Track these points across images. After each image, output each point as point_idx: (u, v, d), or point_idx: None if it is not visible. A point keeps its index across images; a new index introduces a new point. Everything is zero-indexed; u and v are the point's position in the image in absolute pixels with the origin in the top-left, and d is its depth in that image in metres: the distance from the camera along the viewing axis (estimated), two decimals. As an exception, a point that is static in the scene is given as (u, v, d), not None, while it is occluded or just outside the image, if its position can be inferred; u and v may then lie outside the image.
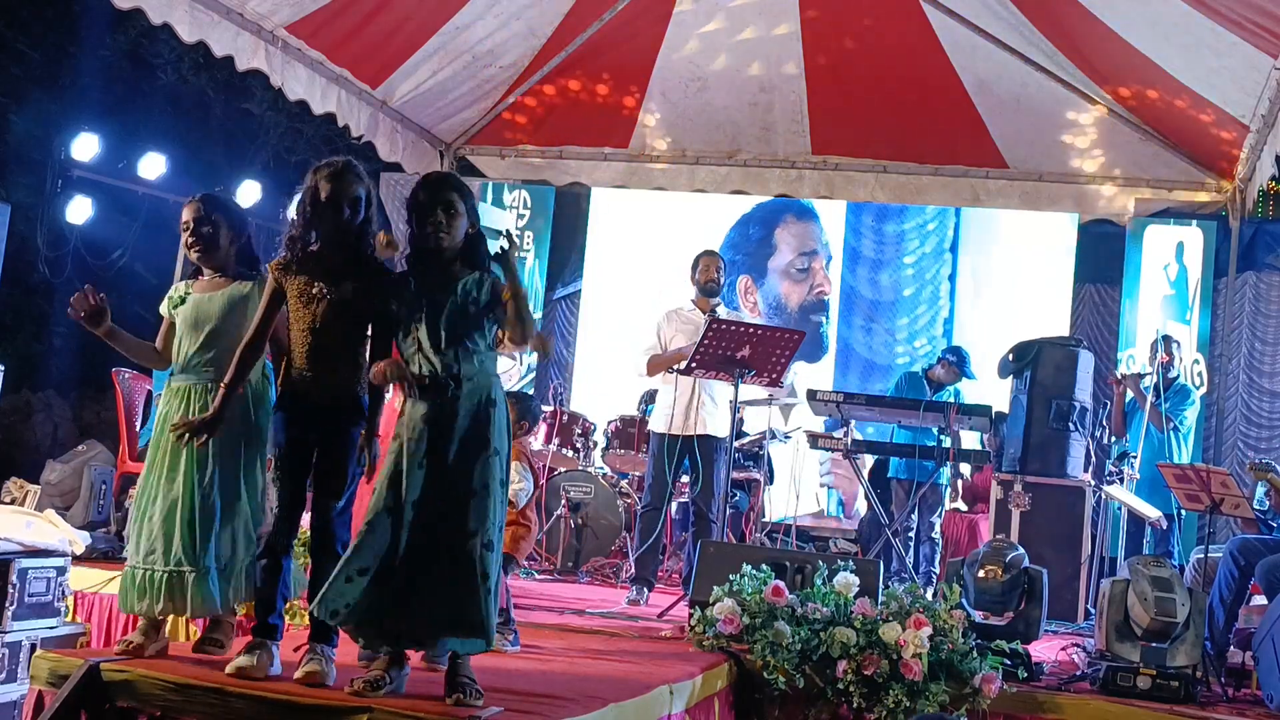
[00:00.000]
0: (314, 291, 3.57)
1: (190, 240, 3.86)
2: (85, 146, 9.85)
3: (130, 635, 3.76)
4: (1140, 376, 7.62)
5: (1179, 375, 7.81)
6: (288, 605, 3.70)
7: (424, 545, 3.34)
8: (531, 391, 9.77)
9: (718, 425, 6.42)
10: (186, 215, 3.87)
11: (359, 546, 3.35)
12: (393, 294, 3.50)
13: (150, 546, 3.69)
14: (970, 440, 7.79)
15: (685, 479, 6.96)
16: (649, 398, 8.90)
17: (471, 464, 3.39)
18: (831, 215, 10.48)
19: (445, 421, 3.40)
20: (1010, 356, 7.50)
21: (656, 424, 6.67)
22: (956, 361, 7.98)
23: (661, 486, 6.52)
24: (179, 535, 3.67)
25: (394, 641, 3.39)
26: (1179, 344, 7.81)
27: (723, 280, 6.70)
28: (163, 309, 3.96)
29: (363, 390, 3.62)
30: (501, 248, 3.49)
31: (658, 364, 6.58)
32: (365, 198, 3.64)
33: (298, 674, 3.41)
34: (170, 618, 3.94)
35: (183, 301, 3.88)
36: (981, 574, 5.18)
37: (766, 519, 8.62)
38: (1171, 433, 7.46)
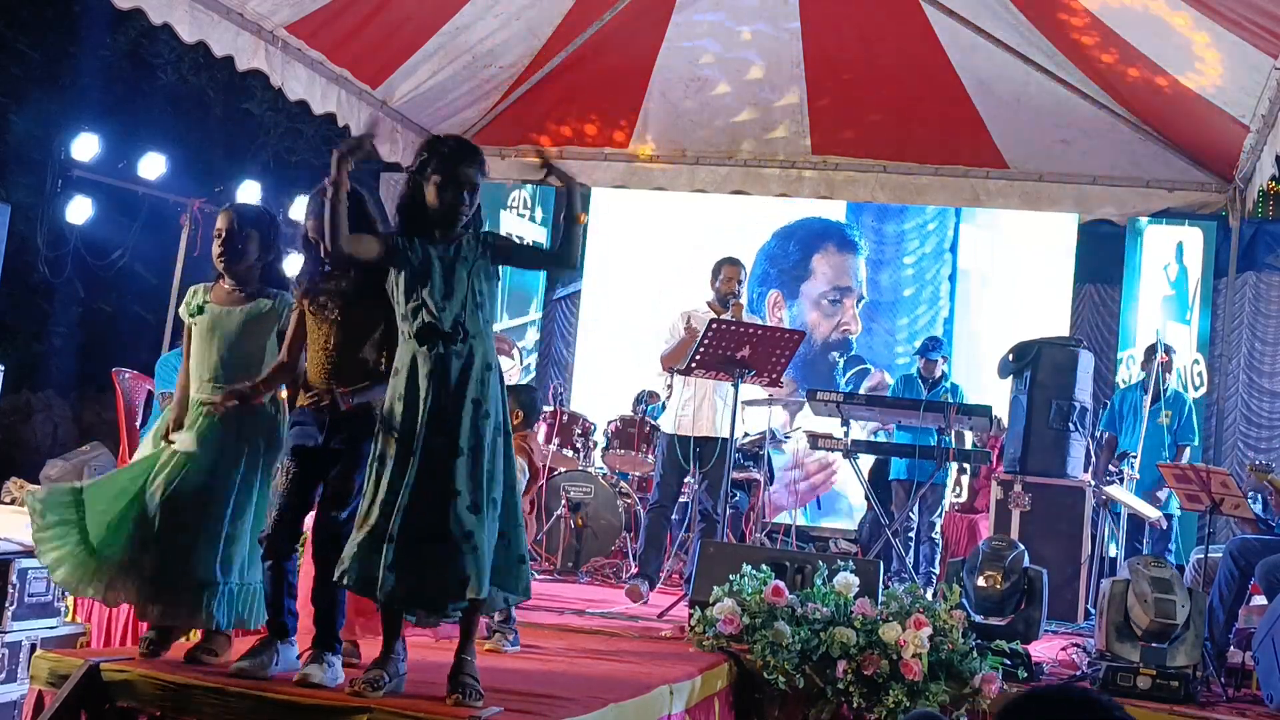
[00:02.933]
0: (326, 311, 3.61)
1: (219, 251, 3.86)
2: (85, 146, 9.84)
3: (148, 633, 3.77)
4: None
5: (1168, 385, 7.69)
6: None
7: (417, 505, 3.31)
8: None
9: (726, 427, 6.42)
10: (220, 224, 3.87)
11: (369, 505, 3.35)
12: (395, 253, 3.46)
13: (122, 543, 3.69)
14: (967, 441, 7.78)
15: (687, 480, 6.98)
16: (642, 397, 8.92)
17: (466, 424, 3.36)
18: (833, 217, 10.48)
19: (446, 376, 3.38)
20: (1010, 356, 7.50)
21: (666, 424, 6.71)
22: (930, 350, 8.03)
23: (670, 486, 6.57)
24: (152, 543, 3.68)
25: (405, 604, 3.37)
26: (1173, 349, 7.78)
27: (741, 291, 6.64)
28: (182, 313, 3.95)
29: (375, 402, 3.64)
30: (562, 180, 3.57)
31: (669, 356, 6.59)
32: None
33: (296, 677, 3.41)
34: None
35: (200, 311, 3.87)
36: (981, 582, 5.17)
37: (766, 519, 8.62)
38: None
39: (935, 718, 4.28)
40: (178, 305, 10.00)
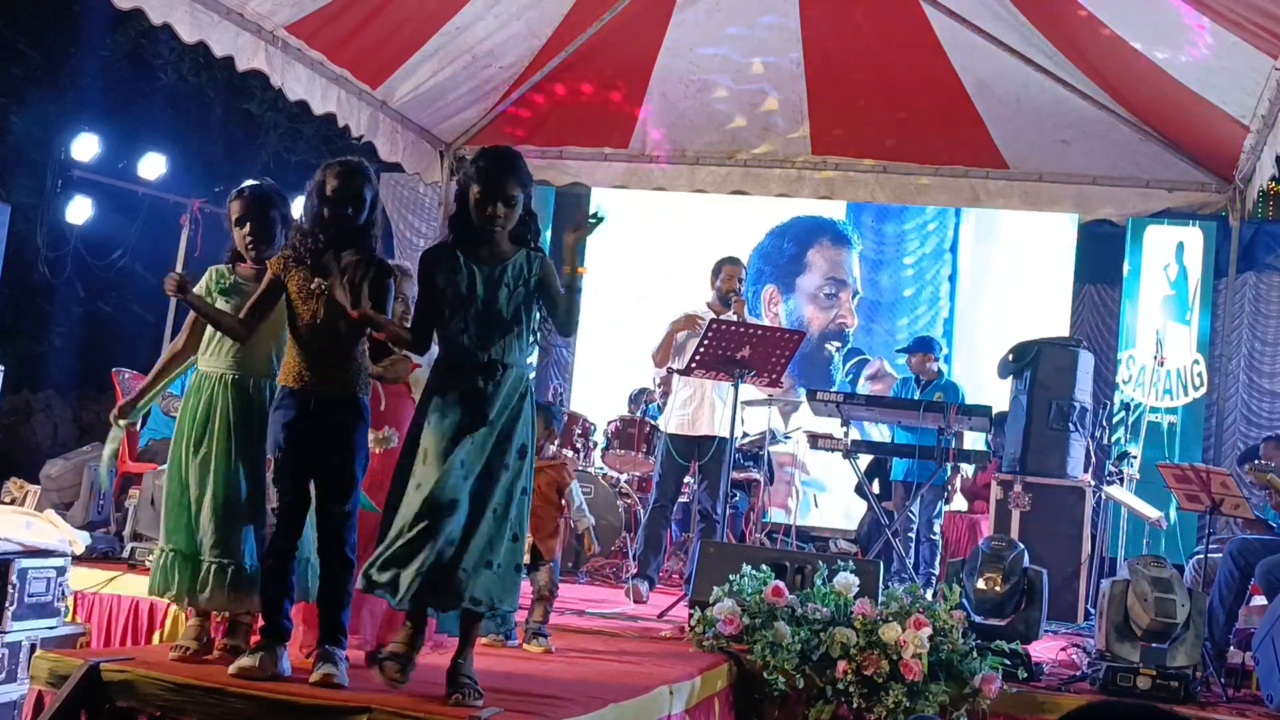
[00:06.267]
0: (313, 288, 3.56)
1: (248, 238, 3.84)
2: (85, 146, 9.85)
3: (181, 640, 3.76)
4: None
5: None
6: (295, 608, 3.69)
7: (443, 524, 3.33)
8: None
9: (725, 426, 6.42)
10: (239, 211, 3.84)
11: (415, 520, 3.35)
12: (438, 268, 3.48)
13: (197, 535, 3.70)
14: (974, 440, 7.77)
15: (687, 480, 6.98)
16: (635, 396, 8.93)
17: (506, 458, 3.41)
18: (826, 214, 10.47)
19: (483, 407, 3.40)
20: (1010, 356, 7.50)
21: (666, 424, 6.70)
22: (919, 346, 8.03)
23: (669, 486, 6.57)
24: (217, 528, 3.68)
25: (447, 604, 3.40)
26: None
27: (743, 290, 6.64)
28: (202, 289, 3.86)
29: (363, 390, 3.62)
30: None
31: (656, 353, 6.60)
32: (372, 200, 3.64)
33: (312, 678, 3.40)
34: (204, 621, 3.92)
35: (233, 289, 3.85)
36: (981, 584, 5.17)
37: (767, 519, 8.62)
38: None
39: None
40: (178, 305, 10.05)
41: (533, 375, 10.24)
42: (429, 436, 3.39)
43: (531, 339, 3.57)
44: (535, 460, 3.71)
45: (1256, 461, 6.28)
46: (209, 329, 3.80)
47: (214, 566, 3.67)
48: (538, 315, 3.58)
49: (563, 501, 4.81)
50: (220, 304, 3.82)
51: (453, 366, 3.45)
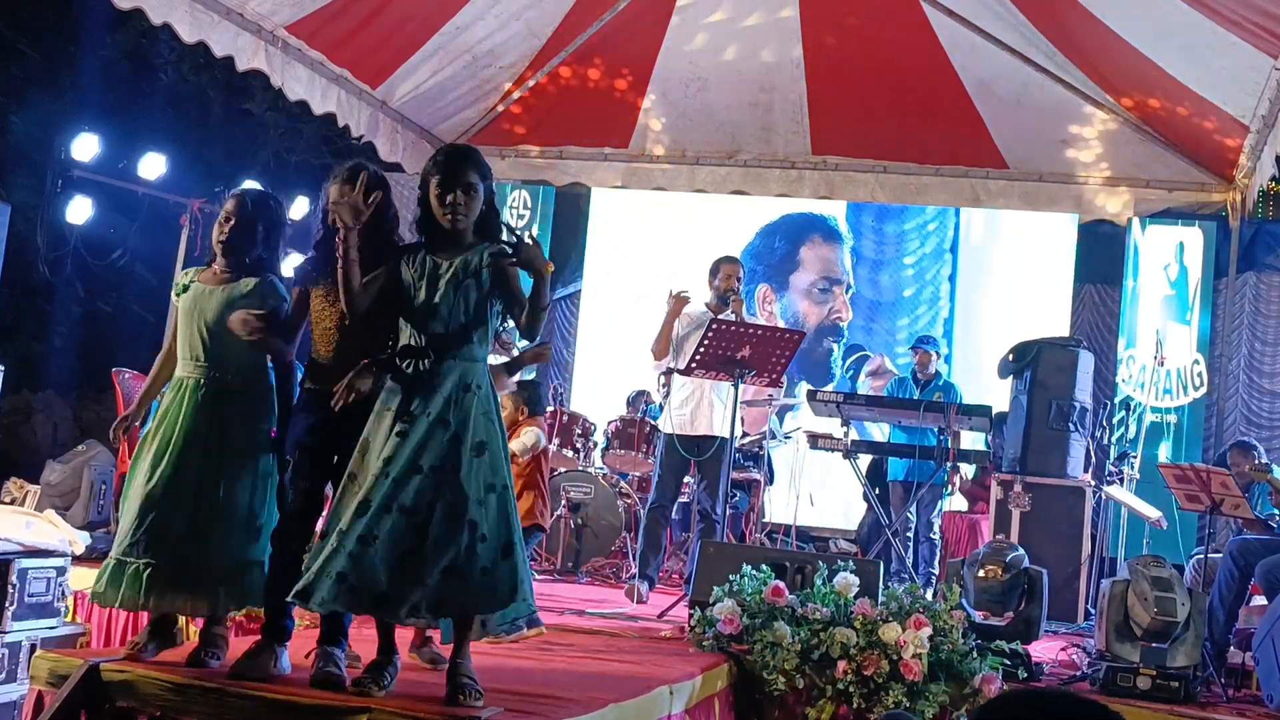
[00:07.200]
0: (336, 296, 3.58)
1: (222, 237, 3.86)
2: (85, 146, 9.84)
3: (137, 636, 3.76)
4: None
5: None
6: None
7: (410, 524, 3.26)
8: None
9: (724, 426, 6.41)
10: (230, 208, 3.88)
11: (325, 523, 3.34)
12: (404, 262, 3.47)
13: (148, 540, 3.69)
14: (973, 440, 7.77)
15: (687, 480, 6.98)
16: (633, 399, 8.92)
17: (431, 445, 3.30)
18: (817, 211, 10.46)
19: (413, 396, 3.35)
20: (1010, 357, 7.50)
21: (665, 424, 6.70)
22: (924, 343, 8.03)
23: (668, 486, 6.57)
24: (181, 532, 3.67)
25: (385, 612, 3.32)
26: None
27: (741, 289, 6.65)
28: (172, 295, 3.98)
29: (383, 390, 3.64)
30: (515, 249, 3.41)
31: (655, 344, 6.58)
32: (381, 196, 3.64)
33: (313, 678, 3.40)
34: (182, 621, 3.92)
35: (185, 290, 3.89)
36: (981, 573, 5.19)
37: (766, 519, 8.62)
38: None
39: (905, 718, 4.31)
40: (178, 304, 10.05)
41: (531, 376, 10.28)
42: (368, 431, 3.38)
43: (485, 334, 3.47)
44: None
45: (1258, 462, 6.28)
46: (182, 335, 3.84)
47: (165, 571, 3.66)
48: (496, 313, 3.49)
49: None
50: (178, 303, 3.87)
51: (397, 358, 3.43)
